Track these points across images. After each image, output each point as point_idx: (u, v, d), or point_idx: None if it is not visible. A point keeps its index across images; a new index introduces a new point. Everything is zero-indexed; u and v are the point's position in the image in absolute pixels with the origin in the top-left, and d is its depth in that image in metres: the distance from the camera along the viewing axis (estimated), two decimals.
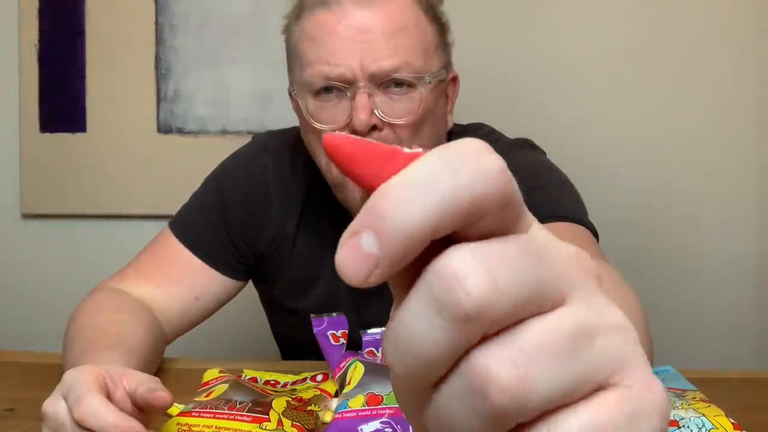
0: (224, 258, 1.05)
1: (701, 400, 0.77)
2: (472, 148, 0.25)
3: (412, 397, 0.26)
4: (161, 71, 1.74)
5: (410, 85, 0.90)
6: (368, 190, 0.26)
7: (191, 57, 1.73)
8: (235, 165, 1.09)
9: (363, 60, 0.87)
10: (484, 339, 0.24)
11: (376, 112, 0.88)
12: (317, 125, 0.90)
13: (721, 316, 1.70)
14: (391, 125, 0.90)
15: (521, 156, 1.00)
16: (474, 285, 0.23)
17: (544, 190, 0.93)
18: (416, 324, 0.24)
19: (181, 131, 1.74)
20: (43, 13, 1.73)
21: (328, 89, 0.90)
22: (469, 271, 0.23)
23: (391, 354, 0.25)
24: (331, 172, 0.93)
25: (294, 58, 0.94)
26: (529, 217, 0.26)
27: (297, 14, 0.94)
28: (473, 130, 1.06)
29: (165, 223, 1.08)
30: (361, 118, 0.87)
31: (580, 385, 0.24)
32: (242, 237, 1.05)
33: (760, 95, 1.71)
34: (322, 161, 0.94)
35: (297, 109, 0.98)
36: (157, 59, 1.74)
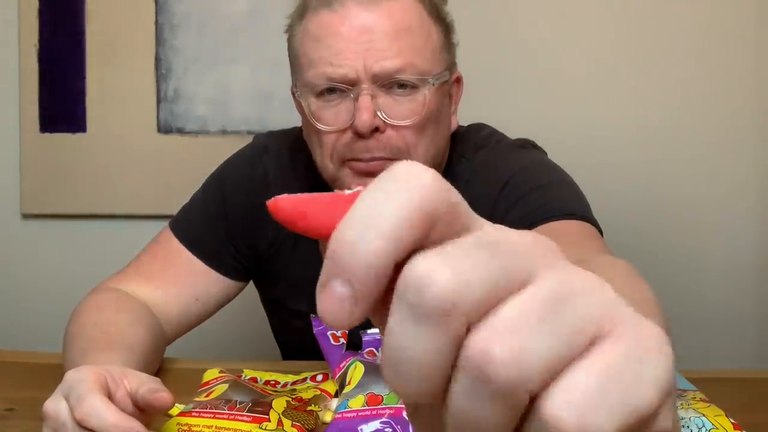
0: (225, 259, 1.05)
1: (701, 400, 0.77)
2: (403, 168, 0.26)
3: (429, 420, 0.27)
4: (161, 71, 1.74)
5: (414, 87, 0.90)
6: (325, 240, 0.27)
7: (191, 57, 1.73)
8: (236, 166, 1.08)
9: (366, 61, 0.87)
10: (472, 323, 0.25)
11: (379, 113, 0.88)
12: (320, 126, 0.90)
13: (721, 317, 1.70)
14: (394, 127, 0.90)
15: (523, 156, 0.99)
16: (440, 279, 0.24)
17: (547, 188, 0.93)
18: (403, 339, 0.25)
19: (181, 131, 1.74)
20: (43, 13, 1.73)
21: (331, 90, 0.90)
22: (432, 268, 0.24)
23: (395, 380, 0.25)
24: (327, 170, 0.93)
25: (297, 59, 0.94)
26: (479, 220, 0.27)
27: (300, 14, 0.94)
28: (475, 132, 1.06)
29: (165, 223, 1.08)
30: (364, 119, 0.87)
31: (575, 341, 0.25)
32: (243, 238, 1.05)
33: (761, 95, 1.71)
34: (322, 160, 0.93)
35: (300, 108, 0.98)
36: (157, 59, 1.74)
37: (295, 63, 0.94)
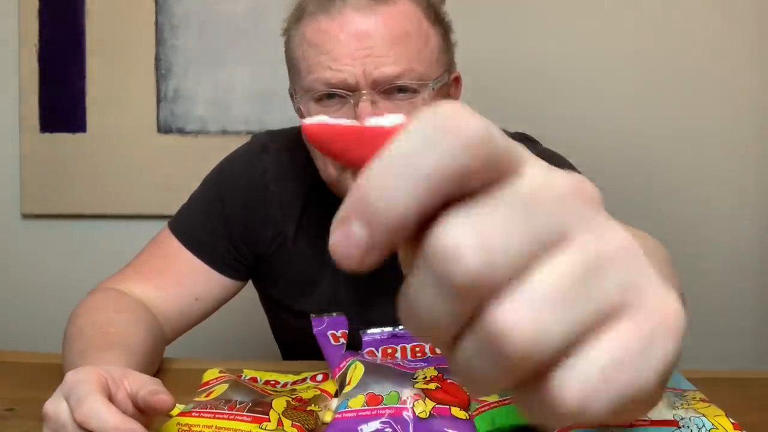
0: (224, 258, 1.05)
1: (701, 400, 0.77)
2: (448, 113, 0.25)
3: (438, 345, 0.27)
4: (161, 71, 1.74)
5: (414, 91, 0.90)
6: (356, 168, 0.26)
7: (191, 57, 1.73)
8: (234, 165, 1.08)
9: (366, 67, 0.87)
10: (495, 294, 0.24)
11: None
12: None
13: (721, 316, 1.70)
14: None
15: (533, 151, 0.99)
16: (468, 255, 0.24)
17: None
18: (420, 298, 0.25)
19: (181, 131, 1.74)
20: (43, 13, 1.73)
21: (330, 95, 0.90)
22: (461, 241, 0.24)
23: (407, 324, 0.26)
24: (327, 172, 0.93)
25: (295, 63, 0.93)
26: (521, 157, 0.26)
27: (297, 18, 0.93)
28: None
29: (165, 223, 1.08)
30: None
31: (596, 316, 0.25)
32: (242, 237, 1.05)
33: (761, 95, 1.71)
34: (324, 165, 0.93)
35: (299, 112, 0.98)
36: (157, 59, 1.74)
37: (294, 67, 0.94)
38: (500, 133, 0.25)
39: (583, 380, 0.24)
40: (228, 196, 1.05)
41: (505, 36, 1.69)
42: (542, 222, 0.25)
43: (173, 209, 1.10)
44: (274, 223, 1.05)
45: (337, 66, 0.87)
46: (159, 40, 1.73)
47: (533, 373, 0.25)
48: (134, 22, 1.73)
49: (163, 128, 1.75)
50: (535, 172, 0.26)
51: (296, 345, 1.09)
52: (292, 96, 0.98)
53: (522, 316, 0.24)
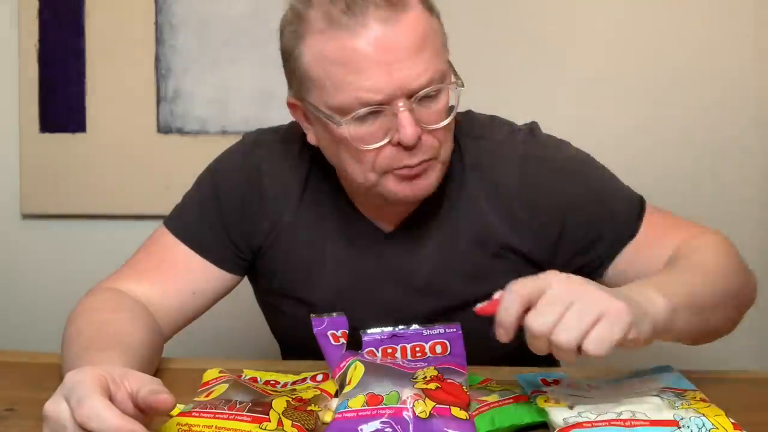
0: (221, 252, 1.05)
1: (701, 400, 0.77)
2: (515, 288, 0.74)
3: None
4: (161, 71, 1.74)
5: (439, 90, 0.91)
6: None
7: (191, 57, 1.73)
8: (228, 160, 1.09)
9: (401, 81, 0.87)
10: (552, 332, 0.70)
11: (419, 125, 0.89)
12: (362, 147, 0.90)
13: None
14: (430, 131, 0.91)
15: (561, 154, 1.04)
16: (535, 325, 0.71)
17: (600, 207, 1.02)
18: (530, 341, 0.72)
19: (181, 131, 1.74)
20: (43, 13, 1.73)
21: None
22: (531, 321, 0.71)
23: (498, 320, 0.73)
24: (367, 180, 0.94)
25: (313, 80, 0.91)
26: (548, 282, 0.73)
27: (302, 31, 0.91)
28: (492, 126, 1.06)
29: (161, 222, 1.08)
30: (410, 134, 0.88)
31: (587, 326, 0.70)
32: (239, 230, 1.05)
33: (762, 95, 1.71)
34: (363, 173, 0.93)
35: (305, 121, 0.98)
36: (157, 59, 1.74)
37: (309, 83, 0.92)
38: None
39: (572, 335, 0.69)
40: (223, 192, 1.05)
41: (506, 35, 1.69)
42: (562, 303, 0.70)
43: (172, 209, 1.10)
44: (270, 214, 1.05)
45: (372, 86, 0.87)
46: (159, 40, 1.73)
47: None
48: (134, 22, 1.73)
49: (163, 128, 1.75)
50: (557, 283, 0.72)
51: (297, 340, 1.08)
52: (293, 106, 0.97)
53: (562, 336, 0.69)
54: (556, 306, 0.70)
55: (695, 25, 1.70)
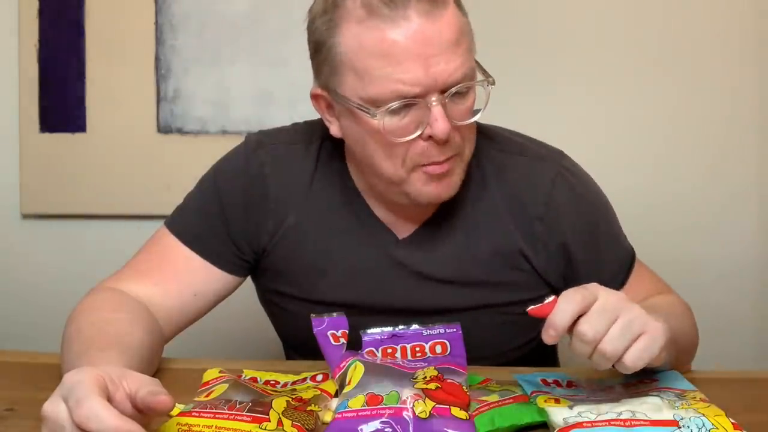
0: (222, 254, 1.05)
1: (701, 400, 0.77)
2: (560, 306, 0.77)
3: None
4: (161, 71, 1.74)
5: (469, 87, 0.92)
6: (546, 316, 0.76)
7: (191, 57, 1.73)
8: (231, 162, 1.08)
9: (437, 75, 0.87)
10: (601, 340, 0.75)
11: (450, 120, 0.90)
12: (394, 139, 0.90)
13: (721, 317, 1.70)
14: (458, 126, 0.91)
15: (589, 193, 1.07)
16: (587, 332, 0.75)
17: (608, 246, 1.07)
18: (574, 345, 0.77)
19: (181, 131, 1.74)
20: (43, 13, 1.73)
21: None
22: (583, 328, 0.75)
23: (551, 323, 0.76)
24: (397, 175, 0.94)
25: (346, 68, 0.90)
26: (597, 293, 0.77)
27: (338, 18, 0.90)
28: (523, 143, 1.07)
29: (162, 223, 1.08)
30: (443, 128, 0.88)
31: (630, 339, 0.76)
32: (241, 232, 1.05)
33: (762, 96, 1.71)
34: (393, 168, 0.94)
35: (324, 110, 0.98)
36: (157, 59, 1.74)
37: (343, 73, 0.91)
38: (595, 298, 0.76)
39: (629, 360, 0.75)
40: (226, 194, 1.05)
41: (506, 35, 1.69)
42: (610, 315, 0.75)
43: (173, 209, 1.10)
44: (274, 215, 1.05)
45: (410, 78, 0.87)
46: (159, 40, 1.73)
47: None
48: (134, 22, 1.73)
49: (163, 128, 1.75)
50: (603, 295, 0.76)
51: (302, 337, 1.07)
52: (318, 98, 0.97)
53: (608, 346, 0.75)
54: (605, 316, 0.75)
55: (695, 25, 1.70)
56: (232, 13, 1.72)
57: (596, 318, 0.74)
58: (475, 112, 0.94)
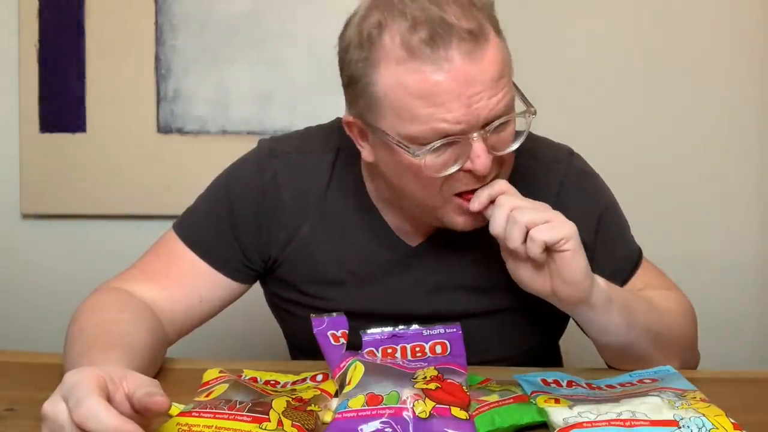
0: (230, 262, 1.04)
1: (701, 400, 0.77)
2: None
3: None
4: (161, 71, 1.74)
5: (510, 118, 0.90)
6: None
7: (191, 57, 1.73)
8: (243, 172, 1.07)
9: (479, 111, 0.86)
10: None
11: (491, 152, 0.89)
12: (434, 174, 0.89)
13: (721, 317, 1.70)
14: (498, 156, 0.91)
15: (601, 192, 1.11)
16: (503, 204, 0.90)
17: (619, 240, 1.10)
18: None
19: (181, 131, 1.74)
20: (43, 13, 1.73)
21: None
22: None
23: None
24: (433, 203, 0.93)
25: (381, 107, 0.88)
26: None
27: (373, 58, 0.88)
28: (535, 146, 1.06)
29: (165, 224, 1.08)
30: (485, 163, 0.87)
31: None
32: (251, 242, 1.04)
33: (762, 95, 1.71)
34: (431, 199, 0.93)
35: (357, 136, 0.96)
36: (157, 59, 1.74)
37: (381, 111, 0.89)
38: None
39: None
40: (237, 201, 1.04)
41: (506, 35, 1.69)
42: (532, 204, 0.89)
43: (173, 209, 1.10)
44: (286, 225, 1.04)
45: (453, 117, 0.85)
46: (159, 40, 1.73)
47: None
48: (134, 22, 1.73)
49: (163, 128, 1.75)
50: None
51: (312, 342, 1.07)
52: (352, 125, 0.95)
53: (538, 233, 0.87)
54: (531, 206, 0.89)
55: (696, 24, 1.70)
56: (232, 13, 1.72)
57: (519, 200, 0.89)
58: (517, 134, 0.92)
